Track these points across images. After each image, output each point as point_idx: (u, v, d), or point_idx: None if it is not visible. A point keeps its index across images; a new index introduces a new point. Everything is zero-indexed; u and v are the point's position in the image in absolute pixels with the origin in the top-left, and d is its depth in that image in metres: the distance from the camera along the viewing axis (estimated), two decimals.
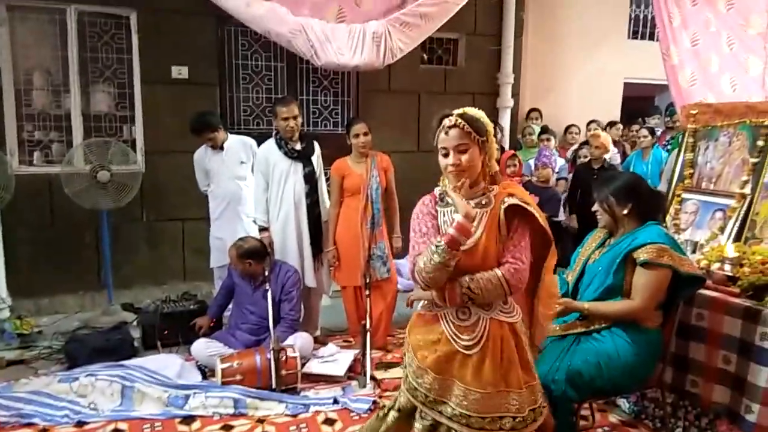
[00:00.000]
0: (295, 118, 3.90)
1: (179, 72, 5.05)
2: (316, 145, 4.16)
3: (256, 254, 3.67)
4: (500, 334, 1.88)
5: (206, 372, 3.60)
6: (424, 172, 5.89)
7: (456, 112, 1.91)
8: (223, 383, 3.28)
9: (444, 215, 1.96)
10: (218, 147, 4.32)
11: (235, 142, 4.39)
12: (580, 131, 6.23)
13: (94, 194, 4.37)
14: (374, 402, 3.24)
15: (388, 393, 3.38)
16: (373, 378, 3.52)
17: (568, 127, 6.31)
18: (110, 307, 4.61)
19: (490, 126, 1.93)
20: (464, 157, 1.87)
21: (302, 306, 4.03)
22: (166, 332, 4.02)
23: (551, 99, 6.61)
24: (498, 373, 1.85)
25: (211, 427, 3.01)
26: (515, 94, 6.40)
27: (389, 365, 3.73)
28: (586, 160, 5.21)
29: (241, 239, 3.76)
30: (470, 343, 1.86)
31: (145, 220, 5.08)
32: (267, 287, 3.54)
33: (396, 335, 4.33)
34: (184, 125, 4.87)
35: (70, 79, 4.84)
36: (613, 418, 3.11)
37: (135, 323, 4.33)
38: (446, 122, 1.89)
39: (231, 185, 4.37)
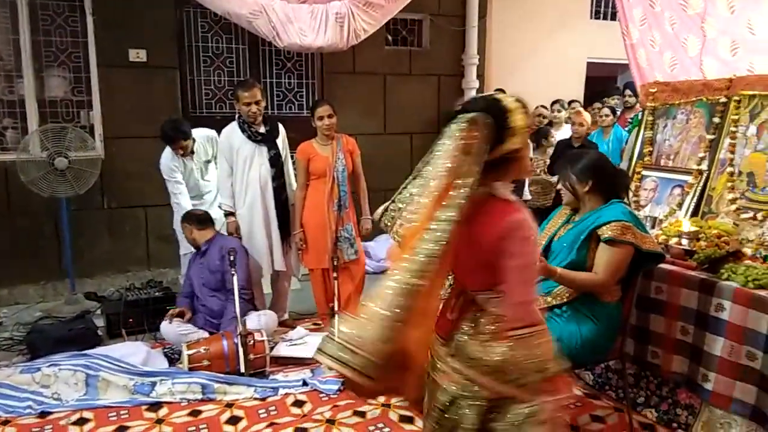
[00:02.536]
0: (257, 103, 3.84)
1: (137, 55, 4.91)
2: (281, 127, 4.11)
3: (193, 218, 3.86)
4: None
5: (173, 359, 3.56)
6: (391, 155, 5.96)
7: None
8: (190, 369, 3.25)
9: None
10: (188, 154, 4.19)
11: (201, 143, 4.27)
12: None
13: (52, 182, 4.26)
14: (343, 383, 3.25)
15: None
16: None
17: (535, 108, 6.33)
18: (72, 297, 4.52)
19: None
20: None
21: (260, 285, 4.11)
22: (131, 320, 3.97)
23: (516, 79, 6.64)
24: None
25: (179, 413, 3.00)
26: (480, 75, 6.42)
27: None
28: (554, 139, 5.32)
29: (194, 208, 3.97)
30: None
31: (107, 207, 4.96)
32: (232, 271, 3.49)
33: None
34: (144, 109, 4.78)
35: (23, 64, 4.68)
36: (576, 391, 3.19)
37: (99, 312, 4.25)
38: None
39: (201, 183, 4.36)
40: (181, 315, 3.75)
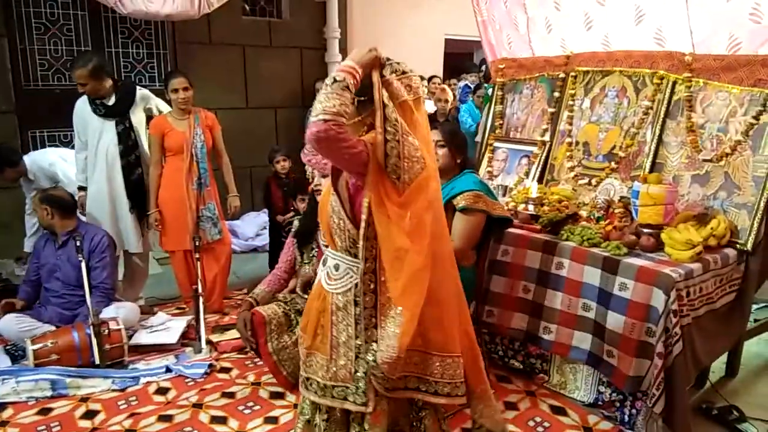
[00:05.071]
0: (83, 84, 3.53)
1: None
2: (144, 93, 3.80)
3: (57, 203, 3.38)
4: (318, 295, 1.84)
5: (17, 356, 3.24)
6: (255, 129, 5.81)
7: None
8: (36, 365, 2.98)
9: None
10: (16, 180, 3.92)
11: (38, 174, 3.97)
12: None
13: None
14: (210, 365, 3.18)
15: (225, 355, 3.33)
16: (209, 342, 3.44)
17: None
18: None
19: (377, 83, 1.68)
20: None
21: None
22: None
23: None
24: (311, 330, 1.83)
25: (25, 412, 2.75)
26: (343, 49, 6.42)
27: (226, 327, 3.66)
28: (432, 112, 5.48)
29: (52, 187, 3.51)
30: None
31: None
32: (79, 257, 3.22)
33: (233, 297, 4.25)
34: None
35: None
36: None
37: None
38: None
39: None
40: (10, 307, 3.41)
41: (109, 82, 3.62)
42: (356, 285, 1.72)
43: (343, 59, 5.84)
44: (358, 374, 1.73)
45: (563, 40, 3.66)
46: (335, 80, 1.56)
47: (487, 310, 3.04)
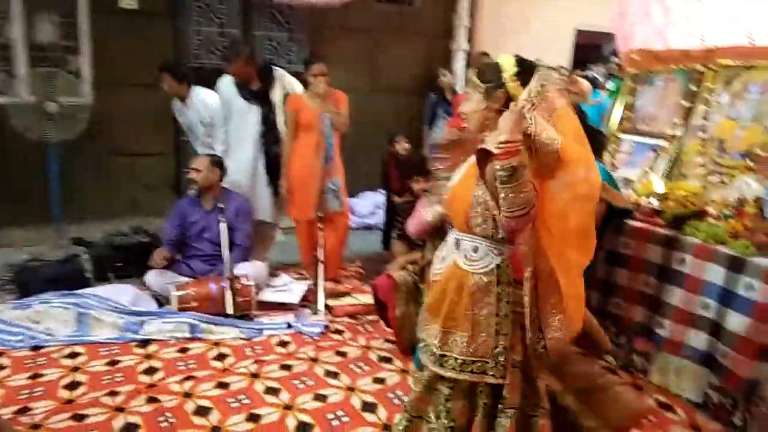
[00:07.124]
0: (239, 74, 3.95)
1: (128, 2, 4.88)
2: (279, 74, 4.14)
3: (221, 166, 3.84)
4: (453, 276, 1.85)
5: (161, 301, 3.67)
6: (378, 112, 6.02)
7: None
8: (179, 310, 3.38)
9: None
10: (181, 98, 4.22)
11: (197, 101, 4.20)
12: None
13: (42, 126, 4.27)
14: (326, 326, 3.42)
15: (339, 319, 3.57)
16: (325, 306, 3.69)
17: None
18: (60, 241, 4.58)
19: (508, 71, 1.72)
20: (465, 107, 1.81)
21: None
22: (118, 264, 4.06)
23: (505, 44, 6.67)
24: (446, 309, 1.84)
25: (167, 349, 3.13)
26: (470, 39, 6.46)
27: (340, 295, 3.90)
28: None
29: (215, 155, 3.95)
30: (437, 272, 1.94)
31: (95, 154, 4.98)
32: (221, 217, 3.59)
33: (347, 268, 4.49)
34: (136, 58, 4.76)
35: (12, 7, 4.63)
36: None
37: (86, 256, 4.32)
38: None
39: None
40: (169, 260, 3.83)
41: (254, 68, 3.98)
42: (498, 266, 1.78)
43: (471, 49, 5.84)
44: (497, 350, 1.77)
45: (702, 33, 3.49)
46: (513, 170, 1.57)
47: (614, 302, 3.02)
